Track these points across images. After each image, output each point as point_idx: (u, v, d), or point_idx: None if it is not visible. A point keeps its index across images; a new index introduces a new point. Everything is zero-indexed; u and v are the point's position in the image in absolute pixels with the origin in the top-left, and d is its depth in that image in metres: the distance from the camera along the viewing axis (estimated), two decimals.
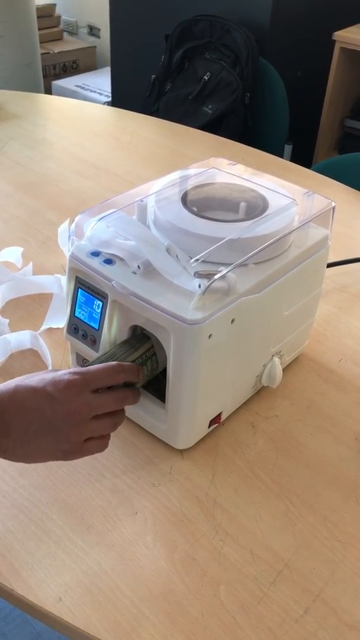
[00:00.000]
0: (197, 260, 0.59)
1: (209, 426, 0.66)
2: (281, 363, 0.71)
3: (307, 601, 0.53)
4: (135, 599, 0.53)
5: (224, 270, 0.57)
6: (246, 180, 0.71)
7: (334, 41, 1.97)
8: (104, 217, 0.65)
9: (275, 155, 1.33)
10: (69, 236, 0.65)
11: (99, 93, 2.82)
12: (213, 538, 0.58)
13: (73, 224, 0.65)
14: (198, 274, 0.57)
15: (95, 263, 0.61)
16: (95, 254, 0.62)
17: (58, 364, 0.75)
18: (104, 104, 2.62)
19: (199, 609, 0.53)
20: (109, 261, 0.61)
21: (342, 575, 0.55)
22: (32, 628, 1.24)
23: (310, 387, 0.75)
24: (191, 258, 0.60)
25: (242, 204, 0.65)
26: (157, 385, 0.65)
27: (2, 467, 0.63)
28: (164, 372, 0.61)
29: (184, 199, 0.67)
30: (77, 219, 0.65)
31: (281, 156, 1.43)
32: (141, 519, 0.59)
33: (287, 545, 0.58)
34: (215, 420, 0.66)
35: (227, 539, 0.58)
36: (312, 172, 1.28)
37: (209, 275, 0.57)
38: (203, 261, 0.59)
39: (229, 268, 0.58)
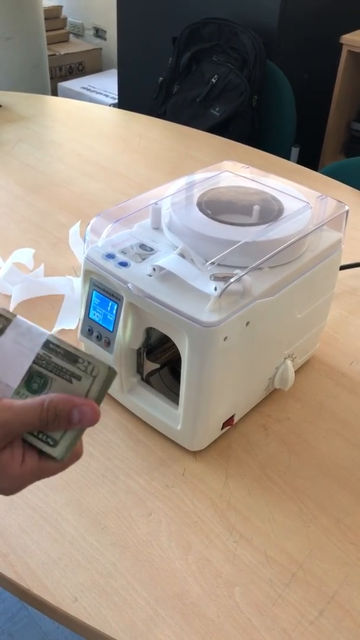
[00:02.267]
0: (212, 263, 0.59)
1: (222, 428, 0.66)
2: (293, 366, 0.71)
3: (322, 603, 0.54)
4: (151, 600, 0.53)
5: (240, 273, 0.58)
6: (260, 183, 0.71)
7: (341, 44, 1.97)
8: (119, 220, 0.65)
9: (282, 157, 1.34)
10: (84, 239, 0.66)
11: (105, 95, 2.82)
12: (227, 540, 0.58)
13: (88, 226, 0.66)
14: (214, 277, 0.57)
15: (111, 265, 0.62)
16: (111, 256, 0.63)
17: None
18: (110, 106, 2.62)
19: (214, 610, 0.53)
20: (124, 263, 0.62)
21: (356, 578, 0.56)
22: (39, 628, 1.24)
23: (322, 390, 0.75)
24: (206, 261, 0.60)
25: (257, 208, 0.66)
26: (171, 387, 0.65)
27: None
28: (178, 374, 0.61)
29: (199, 202, 0.67)
30: (92, 221, 0.66)
31: (288, 158, 1.44)
32: (155, 520, 0.60)
33: (301, 547, 0.58)
34: (228, 422, 0.66)
35: (241, 541, 0.58)
36: (320, 174, 1.28)
37: (225, 278, 0.57)
38: (218, 264, 0.59)
39: (245, 271, 0.58)
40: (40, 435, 0.41)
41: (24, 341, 0.41)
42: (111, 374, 0.40)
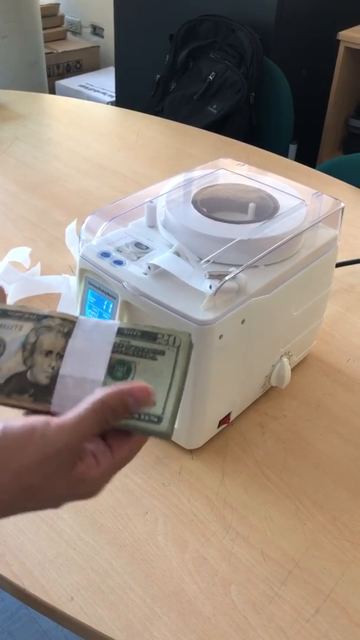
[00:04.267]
0: (207, 261, 0.59)
1: (219, 426, 0.66)
2: (290, 363, 0.71)
3: (318, 601, 0.54)
4: (147, 598, 0.53)
5: (235, 271, 0.58)
6: (255, 180, 0.71)
7: (339, 41, 1.97)
8: (114, 218, 0.65)
9: (280, 154, 1.33)
10: (79, 237, 0.65)
11: (103, 93, 2.82)
12: (223, 538, 0.58)
13: (83, 225, 0.65)
14: (209, 275, 0.57)
15: (106, 264, 0.62)
16: (106, 254, 0.62)
17: None
18: (107, 103, 2.62)
19: (210, 608, 0.53)
20: (119, 262, 0.61)
21: (353, 576, 0.56)
22: (39, 627, 1.24)
23: (319, 387, 0.75)
24: (201, 259, 0.60)
25: (252, 205, 0.65)
26: None
27: None
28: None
29: (194, 200, 0.67)
30: (87, 219, 0.66)
31: (286, 156, 1.44)
32: (152, 518, 0.60)
33: (297, 545, 0.58)
34: (225, 420, 0.66)
35: (238, 539, 0.58)
36: (317, 171, 1.28)
37: (220, 276, 0.57)
38: (213, 262, 0.59)
39: (240, 269, 0.58)
40: (142, 417, 0.39)
41: (95, 336, 0.41)
42: (190, 341, 0.41)
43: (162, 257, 0.60)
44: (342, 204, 0.69)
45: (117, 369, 0.40)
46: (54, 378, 0.40)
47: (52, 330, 0.41)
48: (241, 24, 1.81)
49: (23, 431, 0.37)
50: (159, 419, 0.39)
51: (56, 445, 0.37)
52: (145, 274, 0.60)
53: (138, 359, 0.40)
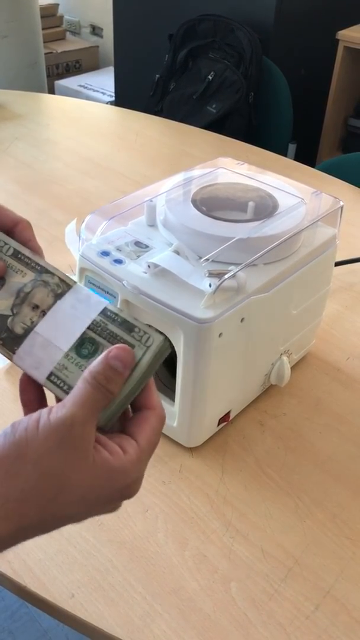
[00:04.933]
0: (206, 260, 0.60)
1: (218, 424, 0.67)
2: (289, 362, 0.71)
3: (318, 598, 0.54)
4: (147, 596, 0.54)
5: (234, 270, 0.58)
6: (255, 179, 0.71)
7: (338, 40, 1.97)
8: (113, 217, 0.65)
9: (279, 154, 1.34)
10: (79, 236, 0.66)
11: (102, 93, 2.82)
12: (223, 535, 0.58)
13: (83, 224, 0.66)
14: (209, 273, 0.57)
15: (106, 262, 0.62)
16: (105, 253, 0.63)
17: None
18: (107, 103, 2.62)
19: (210, 605, 0.53)
20: (119, 261, 0.62)
21: (352, 572, 0.56)
22: (39, 625, 1.25)
23: (318, 386, 0.75)
24: (200, 258, 0.60)
25: (252, 204, 0.66)
26: (167, 384, 0.66)
27: None
28: (174, 371, 0.62)
29: (194, 199, 0.67)
30: (87, 219, 0.66)
31: (285, 155, 1.44)
32: (152, 516, 0.60)
33: (297, 542, 0.58)
34: (224, 418, 0.67)
35: (238, 536, 0.58)
36: (317, 171, 1.28)
37: (219, 275, 0.57)
38: (212, 261, 0.60)
39: (240, 267, 0.58)
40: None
41: (81, 307, 0.41)
42: (165, 346, 0.39)
43: (161, 256, 0.60)
44: (341, 203, 0.70)
45: (85, 346, 0.40)
46: (28, 331, 0.41)
47: (47, 286, 0.42)
48: (240, 23, 1.81)
49: (30, 421, 0.36)
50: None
51: (64, 422, 0.35)
52: (145, 273, 0.60)
53: (107, 344, 0.40)
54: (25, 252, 0.43)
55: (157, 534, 0.58)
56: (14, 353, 0.41)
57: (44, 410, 0.37)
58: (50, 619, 1.28)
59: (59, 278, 0.42)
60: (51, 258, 0.87)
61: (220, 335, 0.58)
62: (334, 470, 0.65)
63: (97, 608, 0.53)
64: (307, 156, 1.99)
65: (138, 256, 0.62)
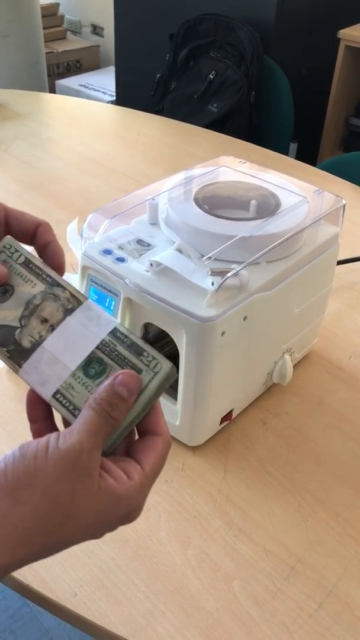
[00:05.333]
0: (209, 258, 0.60)
1: (221, 423, 0.66)
2: (292, 360, 0.71)
3: (321, 596, 0.54)
4: (150, 594, 0.54)
5: (237, 268, 0.58)
6: (257, 178, 0.71)
7: (339, 39, 1.97)
8: (116, 216, 0.65)
9: (280, 153, 1.34)
10: (81, 235, 0.66)
11: (103, 92, 2.82)
12: (226, 534, 0.58)
13: (85, 222, 0.66)
14: (211, 272, 0.57)
15: (108, 261, 0.62)
16: (108, 252, 0.63)
17: None
18: (107, 103, 2.62)
19: (213, 604, 0.53)
20: (121, 259, 0.62)
21: (355, 571, 0.56)
22: (41, 625, 1.25)
23: (320, 384, 0.75)
24: (203, 256, 0.60)
25: (254, 202, 0.65)
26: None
27: None
28: (176, 368, 0.61)
29: (196, 198, 0.67)
30: (89, 217, 0.66)
31: (286, 154, 1.44)
32: (154, 515, 0.60)
33: (299, 541, 0.58)
34: (227, 417, 0.67)
35: (240, 535, 0.58)
36: (318, 170, 1.28)
37: (222, 273, 0.57)
38: (215, 259, 0.59)
39: (242, 266, 0.58)
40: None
41: (91, 325, 0.41)
42: (172, 372, 0.39)
43: (164, 254, 0.60)
44: (344, 201, 0.70)
45: (92, 366, 0.40)
46: (35, 346, 0.40)
47: (57, 300, 0.41)
48: (241, 22, 1.81)
49: (39, 448, 0.36)
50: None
51: (73, 450, 0.36)
52: (148, 271, 0.60)
53: (115, 366, 0.40)
54: (37, 262, 0.42)
55: (160, 533, 0.58)
56: (20, 367, 0.40)
57: (53, 437, 0.37)
58: (52, 618, 1.28)
59: (70, 293, 0.41)
60: None
61: (222, 333, 0.57)
62: (337, 468, 0.65)
63: (100, 607, 0.53)
64: (308, 155, 1.99)
65: (140, 254, 0.62)
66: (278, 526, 0.59)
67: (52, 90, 2.88)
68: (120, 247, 0.63)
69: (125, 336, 0.40)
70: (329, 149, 2.17)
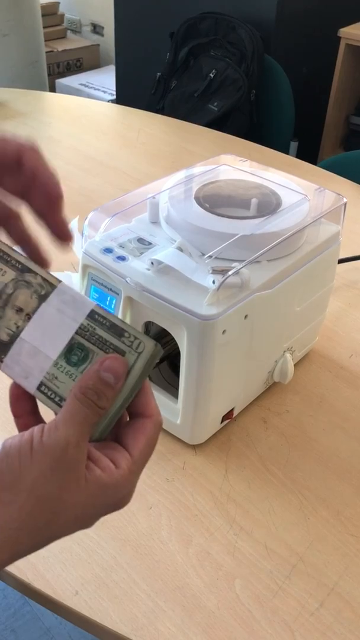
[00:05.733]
0: (210, 256, 0.59)
1: (222, 422, 0.66)
2: (292, 359, 0.71)
3: (322, 594, 0.54)
4: (152, 593, 0.54)
5: (238, 267, 0.58)
6: (257, 176, 0.71)
7: (340, 38, 1.97)
8: (116, 214, 0.65)
9: (281, 152, 1.33)
10: (82, 234, 0.66)
11: (103, 91, 2.82)
12: (227, 532, 0.58)
13: (85, 221, 0.66)
14: (212, 270, 0.57)
15: (109, 259, 0.62)
16: (109, 250, 0.63)
17: None
18: (108, 102, 2.62)
19: (214, 602, 0.53)
20: (122, 257, 0.61)
21: (357, 569, 0.56)
22: (42, 624, 1.25)
23: (322, 383, 0.75)
24: (204, 255, 0.60)
25: (255, 201, 0.65)
26: (170, 381, 0.65)
27: None
28: (177, 368, 0.62)
29: (197, 196, 0.67)
30: (89, 216, 0.66)
31: (287, 153, 1.44)
32: (155, 513, 0.60)
33: (301, 540, 0.58)
34: (228, 415, 0.67)
35: (242, 533, 0.58)
36: (319, 168, 1.28)
37: (223, 272, 0.57)
38: (216, 258, 0.59)
39: (243, 264, 0.58)
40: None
41: (68, 310, 0.39)
42: (156, 351, 0.38)
43: (165, 253, 0.60)
44: (345, 200, 0.70)
45: (74, 353, 0.38)
46: (14, 338, 0.39)
47: (30, 287, 0.39)
48: (242, 21, 1.81)
49: (23, 444, 0.35)
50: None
51: (58, 444, 0.35)
52: (148, 270, 0.60)
53: (97, 350, 0.38)
54: (4, 248, 0.40)
55: (161, 531, 0.58)
56: (1, 362, 0.39)
57: (36, 430, 0.35)
58: (53, 617, 1.29)
59: (42, 278, 0.39)
60: (53, 256, 0.87)
61: (223, 332, 0.57)
62: (338, 467, 0.65)
63: (101, 605, 0.53)
64: (309, 154, 1.98)
65: (141, 253, 0.62)
66: (279, 524, 0.59)
67: (53, 89, 2.87)
68: (121, 246, 0.63)
69: (104, 317, 0.38)
70: (330, 147, 2.17)
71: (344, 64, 2.01)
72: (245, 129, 1.82)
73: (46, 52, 2.49)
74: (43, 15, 2.42)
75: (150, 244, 0.63)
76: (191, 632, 0.51)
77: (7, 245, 0.40)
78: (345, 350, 0.80)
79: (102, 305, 0.64)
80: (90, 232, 0.65)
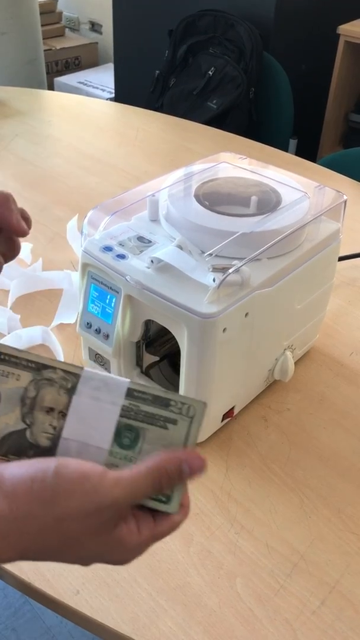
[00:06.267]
0: (210, 254, 0.59)
1: (222, 420, 0.66)
2: (293, 357, 0.71)
3: (324, 593, 0.54)
4: (153, 592, 0.53)
5: (238, 264, 0.58)
6: (257, 174, 0.71)
7: (339, 35, 1.96)
8: (116, 212, 0.65)
9: (280, 149, 1.33)
10: (82, 232, 0.65)
11: (102, 89, 2.81)
12: (228, 531, 0.58)
13: (85, 219, 0.65)
14: (212, 268, 0.57)
15: (108, 258, 0.62)
16: (108, 248, 0.62)
17: (70, 358, 0.76)
18: (107, 100, 2.61)
19: (216, 601, 0.53)
20: (122, 256, 0.61)
21: (358, 567, 0.56)
22: (42, 623, 1.25)
23: (322, 381, 0.75)
24: (204, 252, 0.60)
25: (255, 198, 0.65)
26: (171, 380, 0.65)
27: None
28: (178, 366, 0.61)
29: (196, 194, 0.67)
30: (89, 214, 0.65)
31: (286, 151, 1.43)
32: None
33: (302, 538, 0.58)
34: (228, 414, 0.66)
35: (243, 532, 0.58)
36: (318, 166, 1.28)
37: (223, 269, 0.57)
38: (216, 256, 0.59)
39: (244, 261, 0.58)
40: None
41: (103, 395, 0.37)
42: (204, 409, 0.38)
43: (165, 251, 0.60)
44: (345, 197, 0.69)
45: (124, 435, 0.37)
46: (55, 440, 0.37)
47: (54, 384, 0.38)
48: (240, 18, 1.81)
49: (76, 476, 0.35)
50: (168, 498, 0.37)
51: (108, 500, 0.35)
52: (148, 268, 0.60)
53: (147, 426, 0.37)
54: (8, 350, 0.38)
55: None
56: None
57: (97, 472, 0.35)
58: (54, 616, 1.28)
59: (62, 370, 0.38)
60: (53, 254, 0.87)
61: (224, 330, 0.57)
62: (339, 465, 0.65)
63: (102, 604, 0.52)
64: (308, 152, 1.98)
65: (141, 251, 0.62)
66: (280, 523, 0.59)
67: (51, 87, 2.87)
68: (121, 244, 0.63)
69: (144, 392, 0.38)
70: (329, 145, 2.17)
71: (343, 61, 2.01)
72: (244, 127, 1.82)
73: (44, 51, 2.49)
74: (41, 13, 2.41)
75: (150, 242, 0.63)
76: (192, 630, 0.51)
77: (10, 347, 0.38)
78: (345, 348, 0.80)
79: (100, 303, 0.64)
80: (90, 230, 0.65)
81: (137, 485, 0.36)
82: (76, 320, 0.68)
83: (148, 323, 0.64)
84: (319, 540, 0.58)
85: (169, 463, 0.37)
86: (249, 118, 1.84)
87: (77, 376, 0.38)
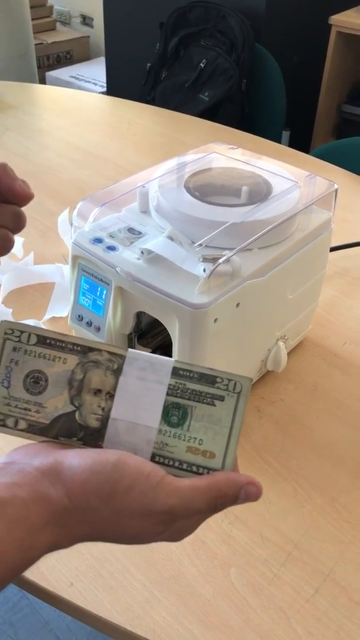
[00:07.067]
0: (200, 245, 0.59)
1: None
2: (286, 347, 0.71)
3: (318, 581, 0.54)
4: (147, 582, 0.53)
5: (229, 254, 0.57)
6: (248, 164, 0.71)
7: (330, 25, 1.96)
8: (105, 204, 0.65)
9: (273, 141, 1.33)
10: (71, 224, 0.65)
11: (94, 83, 2.80)
12: (222, 521, 0.58)
13: (75, 211, 0.65)
14: (203, 258, 0.57)
15: (99, 250, 0.61)
16: (98, 240, 0.62)
17: None
18: (99, 94, 2.60)
19: (210, 591, 0.53)
20: (112, 247, 0.61)
21: (352, 555, 0.56)
22: (40, 617, 1.25)
23: (315, 371, 0.75)
24: (194, 243, 0.60)
25: (245, 188, 0.65)
26: None
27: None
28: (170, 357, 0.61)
29: (187, 185, 0.66)
30: (78, 206, 0.65)
31: (279, 142, 1.43)
32: None
33: (296, 527, 0.58)
34: None
35: (236, 522, 0.58)
36: (311, 157, 1.27)
37: (213, 260, 0.57)
38: (206, 246, 0.59)
39: (234, 251, 0.58)
40: (201, 470, 0.38)
41: (149, 375, 0.38)
42: (250, 383, 0.39)
43: (155, 242, 0.59)
44: (336, 186, 0.69)
45: (172, 414, 0.38)
46: (104, 421, 0.38)
47: (100, 366, 0.38)
48: (232, 10, 1.80)
49: (136, 472, 0.35)
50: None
51: (164, 507, 0.35)
52: (139, 259, 0.59)
53: (195, 404, 0.38)
54: (52, 334, 0.39)
55: None
56: (101, 447, 0.38)
57: (156, 475, 0.36)
58: (52, 610, 1.28)
59: (108, 352, 0.39)
60: (44, 248, 0.86)
61: (215, 320, 0.57)
62: (332, 454, 0.65)
63: (96, 596, 0.52)
64: (301, 143, 1.98)
65: (131, 243, 0.61)
66: (274, 513, 0.59)
67: (43, 82, 2.85)
68: (111, 236, 0.62)
69: (190, 371, 0.38)
70: (322, 136, 2.16)
71: (335, 51, 2.00)
72: (236, 119, 1.81)
73: (35, 45, 2.47)
74: (32, 7, 2.39)
75: (140, 233, 0.63)
76: (187, 620, 0.51)
77: (55, 332, 0.39)
78: (338, 338, 0.80)
79: (91, 295, 0.63)
80: (80, 222, 0.64)
81: (193, 500, 0.36)
82: (68, 313, 0.68)
83: (140, 315, 0.64)
84: (313, 529, 0.58)
85: (229, 486, 0.37)
86: (241, 110, 1.83)
87: (122, 357, 0.39)
